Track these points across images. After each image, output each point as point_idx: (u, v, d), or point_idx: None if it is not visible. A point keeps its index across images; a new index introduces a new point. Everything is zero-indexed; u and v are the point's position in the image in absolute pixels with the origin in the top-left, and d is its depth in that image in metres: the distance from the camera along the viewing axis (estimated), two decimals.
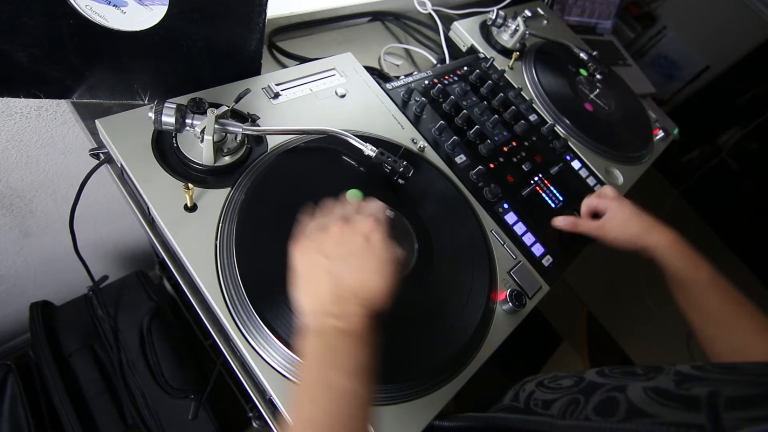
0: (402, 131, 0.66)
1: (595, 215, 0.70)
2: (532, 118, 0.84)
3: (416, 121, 0.69)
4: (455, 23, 0.92)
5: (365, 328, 0.37)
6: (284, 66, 0.77)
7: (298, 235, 0.41)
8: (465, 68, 0.83)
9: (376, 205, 0.43)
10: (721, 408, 0.27)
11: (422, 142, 0.66)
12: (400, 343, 0.49)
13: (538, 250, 0.67)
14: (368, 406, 0.35)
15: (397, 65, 0.90)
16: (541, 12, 1.09)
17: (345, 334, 0.36)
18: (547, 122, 0.85)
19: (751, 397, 0.27)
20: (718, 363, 0.35)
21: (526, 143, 0.79)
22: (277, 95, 0.59)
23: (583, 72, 1.00)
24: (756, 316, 0.52)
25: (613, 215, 0.66)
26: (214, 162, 0.49)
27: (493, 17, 0.90)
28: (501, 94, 0.81)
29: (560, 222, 0.70)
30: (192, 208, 0.47)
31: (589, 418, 0.35)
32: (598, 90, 0.99)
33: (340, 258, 0.39)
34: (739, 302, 0.54)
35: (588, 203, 0.71)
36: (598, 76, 1.02)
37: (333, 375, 0.34)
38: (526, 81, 0.91)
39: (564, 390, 0.41)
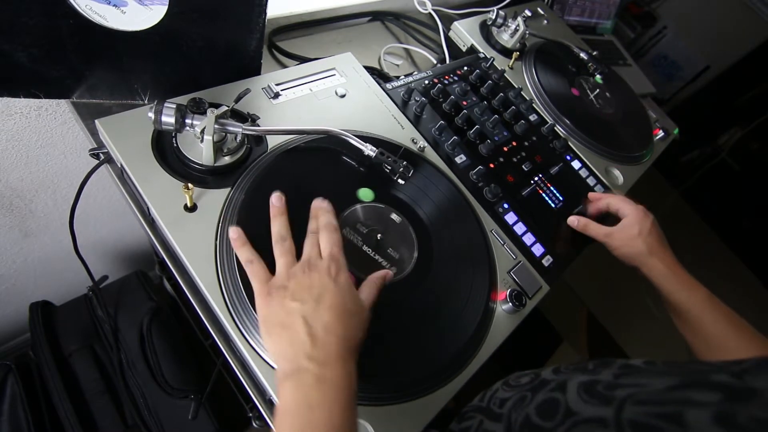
0: (402, 131, 0.66)
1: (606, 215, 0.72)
2: (532, 118, 0.84)
3: (416, 121, 0.69)
4: (455, 23, 0.92)
5: (344, 374, 0.36)
6: (284, 66, 0.77)
7: (262, 291, 0.41)
8: (465, 68, 0.83)
9: (331, 239, 0.44)
10: (627, 403, 0.28)
11: (422, 142, 0.66)
12: (400, 343, 0.49)
13: (538, 250, 0.67)
14: None
15: (397, 65, 0.90)
16: (541, 12, 1.09)
17: (322, 383, 0.35)
18: (547, 122, 0.85)
19: (667, 389, 0.27)
20: (680, 361, 0.34)
21: (526, 143, 0.79)
22: (277, 95, 0.59)
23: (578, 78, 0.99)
24: (754, 338, 0.52)
25: (625, 226, 0.66)
26: (214, 162, 0.49)
27: (493, 17, 0.90)
28: (501, 94, 0.81)
29: (574, 222, 0.71)
30: (192, 208, 0.47)
31: (529, 415, 0.35)
32: (598, 90, 0.99)
33: (313, 299, 0.39)
34: (736, 324, 0.54)
35: (610, 203, 0.71)
36: (598, 76, 1.02)
37: None
38: (526, 81, 0.91)
39: (520, 387, 0.42)
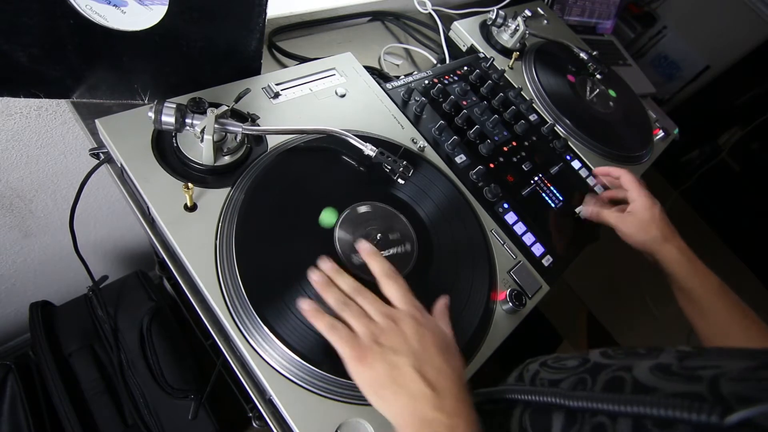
0: (402, 131, 0.66)
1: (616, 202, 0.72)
2: (532, 118, 0.84)
3: (416, 121, 0.69)
4: (455, 23, 0.92)
5: (472, 420, 0.36)
6: (284, 66, 0.77)
7: (355, 356, 0.38)
8: (465, 68, 0.83)
9: (398, 284, 0.43)
10: (721, 380, 0.28)
11: (422, 142, 0.66)
12: None
13: (538, 250, 0.67)
14: None
15: (397, 65, 0.90)
16: (541, 12, 1.09)
17: (454, 429, 0.35)
18: (547, 122, 0.85)
19: (748, 369, 0.28)
20: (715, 347, 0.35)
21: (526, 143, 0.79)
22: (277, 95, 0.59)
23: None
24: (760, 326, 0.53)
25: (637, 211, 0.66)
26: (214, 162, 0.49)
27: (493, 17, 0.90)
28: (501, 93, 0.81)
29: (587, 212, 0.72)
30: (192, 208, 0.47)
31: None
32: (598, 90, 0.99)
33: (414, 349, 0.38)
34: (744, 312, 0.55)
35: (623, 178, 0.71)
36: (598, 76, 1.02)
37: None
38: (526, 81, 0.91)
39: (570, 370, 0.41)
